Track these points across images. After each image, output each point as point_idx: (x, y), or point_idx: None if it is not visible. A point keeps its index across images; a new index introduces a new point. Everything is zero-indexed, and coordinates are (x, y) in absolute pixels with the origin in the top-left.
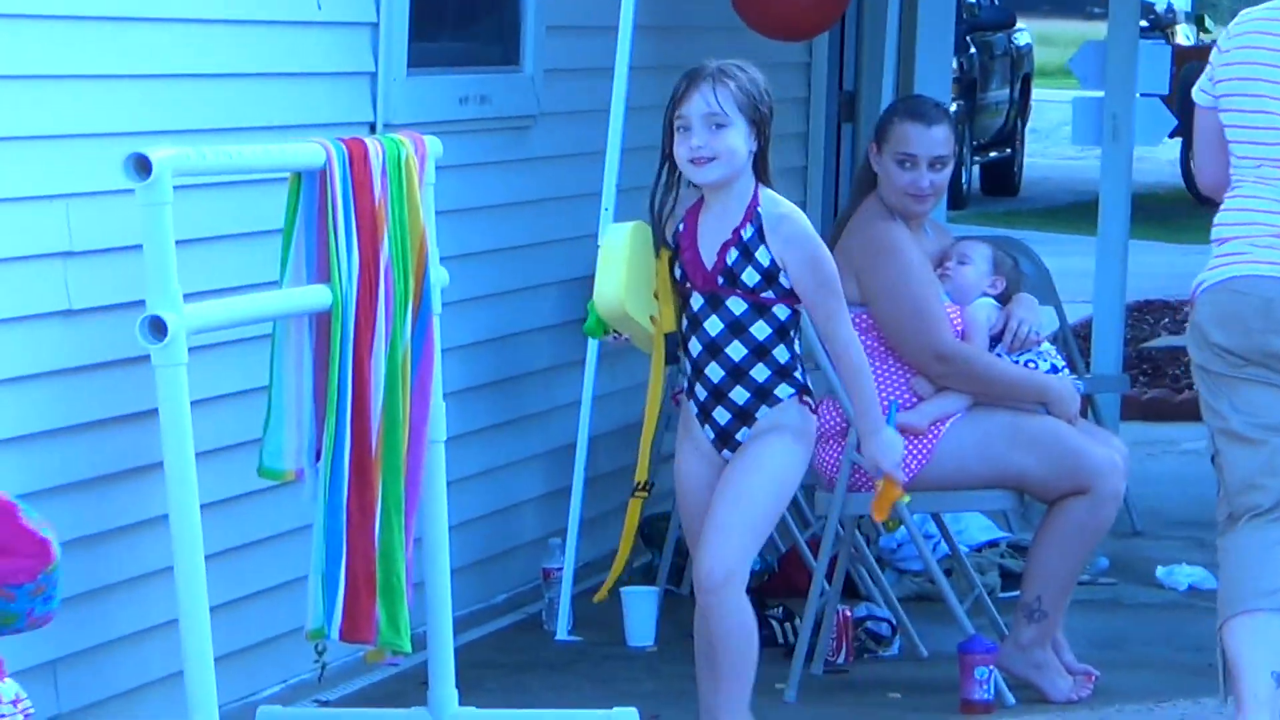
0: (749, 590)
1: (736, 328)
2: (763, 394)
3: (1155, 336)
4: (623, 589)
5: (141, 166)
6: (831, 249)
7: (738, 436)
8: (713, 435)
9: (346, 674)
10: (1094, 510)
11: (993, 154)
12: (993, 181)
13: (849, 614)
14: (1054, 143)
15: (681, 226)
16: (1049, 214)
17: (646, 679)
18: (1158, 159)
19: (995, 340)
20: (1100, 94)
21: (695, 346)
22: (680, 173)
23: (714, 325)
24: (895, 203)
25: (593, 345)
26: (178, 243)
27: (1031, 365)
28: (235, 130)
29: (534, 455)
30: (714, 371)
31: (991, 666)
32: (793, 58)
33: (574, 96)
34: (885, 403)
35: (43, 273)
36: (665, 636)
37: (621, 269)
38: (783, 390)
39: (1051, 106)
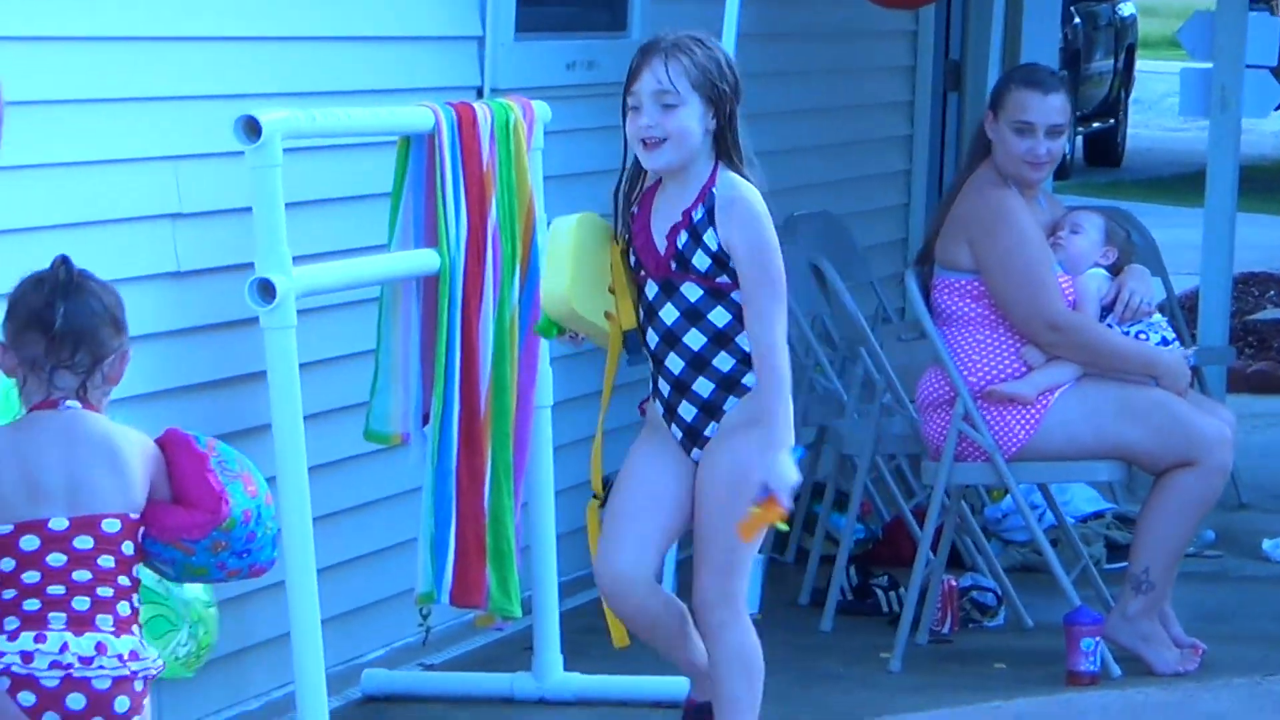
0: (853, 558)
1: (693, 315)
2: (728, 384)
3: (1260, 309)
4: None
5: (251, 129)
6: (941, 218)
7: (706, 432)
8: (680, 434)
9: (451, 638)
10: (1202, 482)
11: (1096, 125)
12: (1096, 152)
13: (954, 584)
14: (1157, 114)
15: (635, 210)
16: (1152, 186)
17: None
18: (1262, 131)
19: (1106, 311)
20: (1208, 65)
21: (653, 338)
22: None
23: (669, 313)
24: (1011, 171)
25: None
26: (286, 205)
27: (1142, 337)
28: (343, 94)
29: (635, 422)
30: (674, 363)
31: (1098, 638)
32: (899, 26)
33: None
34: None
35: (152, 234)
36: (768, 603)
37: (567, 264)
38: (750, 379)
39: (1155, 78)
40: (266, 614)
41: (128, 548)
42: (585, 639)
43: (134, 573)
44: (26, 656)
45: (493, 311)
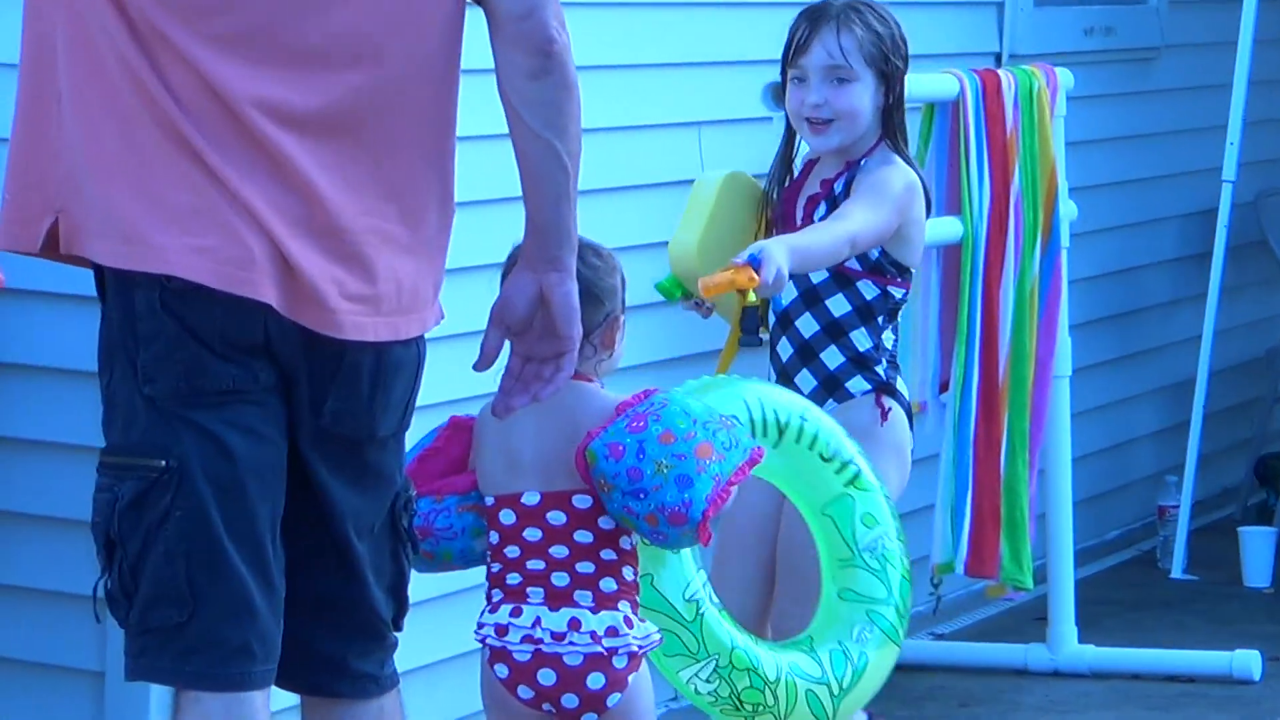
0: None
1: (811, 297)
2: (831, 384)
3: None
4: (1240, 529)
5: (778, 95)
6: None
7: None
8: None
9: (961, 607)
10: None
11: None
12: None
13: None
14: None
15: (790, 181)
16: None
17: (1266, 620)
18: None
19: None
20: None
21: (771, 318)
22: None
23: (789, 292)
24: None
25: (1215, 276)
26: None
27: None
28: None
29: (1150, 390)
30: (784, 348)
31: None
32: None
33: (1199, 28)
34: None
35: (678, 200)
36: None
37: (702, 221)
38: (856, 384)
39: None
40: None
41: (606, 522)
42: (1095, 610)
43: (622, 544)
44: (501, 629)
45: (1014, 279)
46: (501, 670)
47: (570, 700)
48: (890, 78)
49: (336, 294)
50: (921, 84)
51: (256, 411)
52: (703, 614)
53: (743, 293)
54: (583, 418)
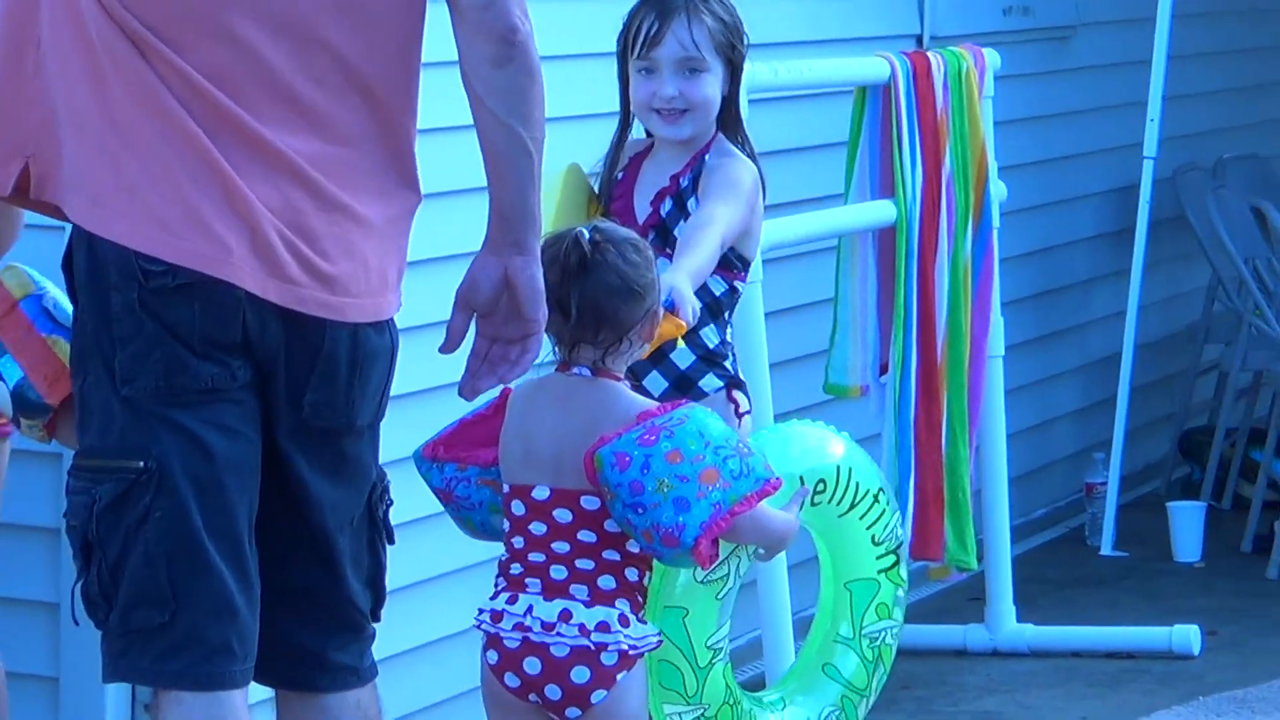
0: None
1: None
2: (683, 383)
3: None
4: (1169, 504)
5: None
6: None
7: None
8: None
9: None
10: None
11: None
12: None
13: None
14: None
15: (620, 175)
16: None
17: (1198, 594)
18: None
19: None
20: None
21: None
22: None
23: None
24: None
25: (1138, 252)
26: None
27: None
28: (784, 45)
29: (1074, 368)
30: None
31: None
32: None
33: (1115, 5)
34: None
35: None
36: (1211, 551)
37: (551, 217)
38: (708, 381)
39: None
40: None
41: (612, 525)
42: (1029, 589)
43: (628, 546)
44: (496, 616)
45: (948, 261)
46: (492, 656)
47: (554, 692)
48: (735, 66)
49: (309, 274)
50: (852, 67)
51: (234, 410)
52: (714, 665)
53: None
54: (602, 419)
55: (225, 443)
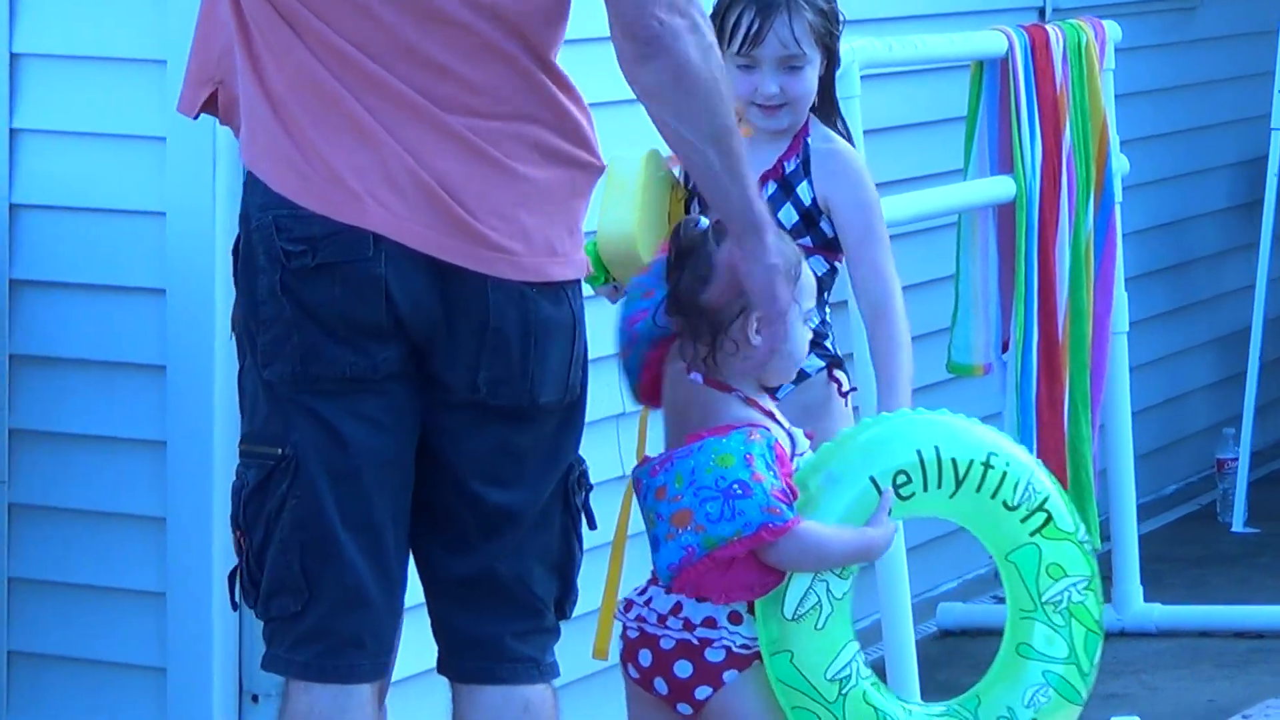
0: None
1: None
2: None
3: None
4: None
5: None
6: None
7: None
8: None
9: None
10: None
11: None
12: None
13: None
14: None
15: None
16: None
17: None
18: None
19: None
20: None
21: None
22: None
23: None
24: None
25: (1267, 225)
26: (864, 133)
27: None
28: (907, 19)
29: (1204, 342)
30: None
31: None
32: None
33: None
34: None
35: None
36: None
37: (635, 202)
38: (809, 362)
39: None
40: None
41: None
42: (1157, 567)
43: None
44: (627, 605)
45: (1068, 237)
46: (620, 644)
47: (661, 686)
48: (832, 51)
49: (453, 225)
50: (969, 42)
51: (376, 400)
52: (846, 693)
53: None
54: (687, 426)
55: (364, 433)
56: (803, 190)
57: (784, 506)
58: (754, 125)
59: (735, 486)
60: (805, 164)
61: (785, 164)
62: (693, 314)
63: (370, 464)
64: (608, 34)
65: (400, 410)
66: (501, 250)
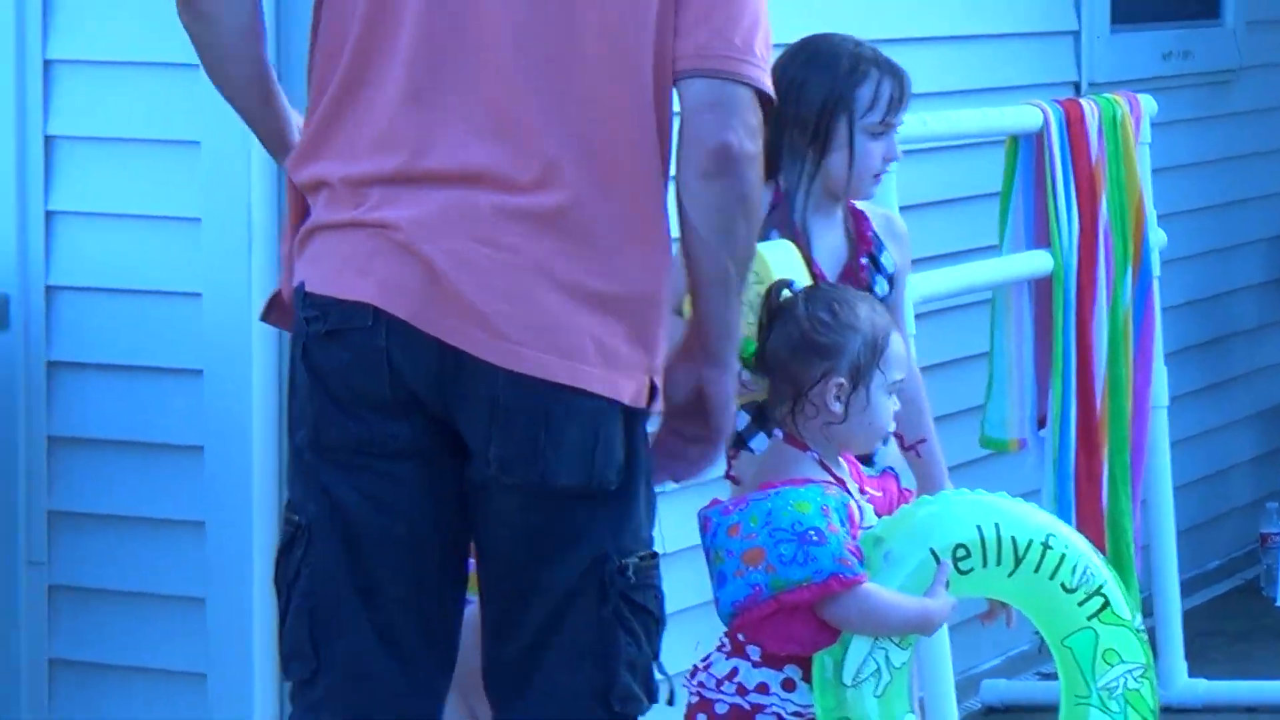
0: None
1: None
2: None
3: None
4: None
5: None
6: None
7: None
8: None
9: None
10: None
11: None
12: None
13: None
14: None
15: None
16: None
17: None
18: None
19: None
20: None
21: None
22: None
23: None
24: None
25: None
26: (900, 208)
27: None
28: (941, 95)
29: (1245, 416)
30: None
31: None
32: None
33: (1277, 47)
34: None
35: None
36: None
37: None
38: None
39: None
40: None
41: None
42: (1202, 642)
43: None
44: (692, 671)
45: (1106, 311)
46: (683, 707)
47: None
48: None
49: (452, 303)
50: (1004, 116)
51: (384, 481)
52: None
53: None
54: (761, 478)
55: (370, 511)
56: (886, 260)
57: (855, 561)
58: (853, 199)
59: (811, 533)
60: (876, 233)
61: (868, 234)
62: (776, 374)
63: (377, 539)
64: None
65: (414, 491)
66: (501, 337)
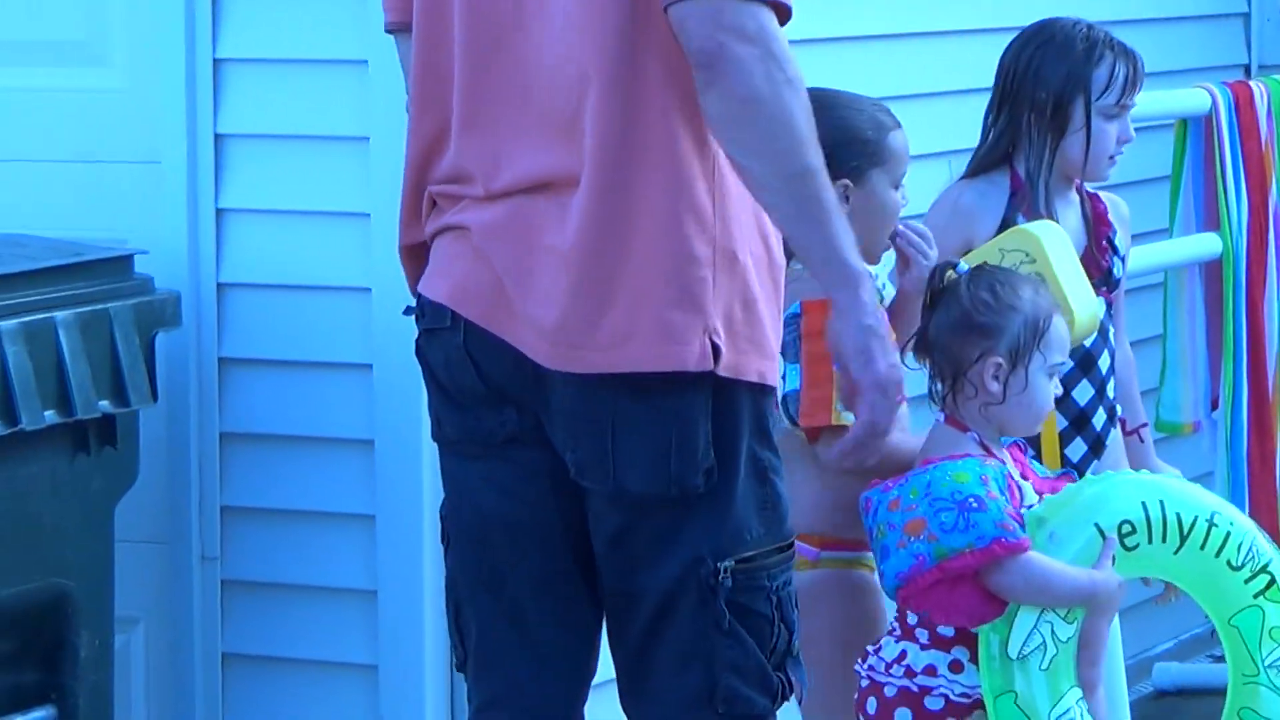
0: None
1: (1105, 333)
2: (1113, 413)
3: None
4: None
5: None
6: None
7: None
8: None
9: None
10: None
11: None
12: None
13: None
14: None
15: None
16: None
17: None
18: None
19: None
20: None
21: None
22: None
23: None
24: None
25: None
26: None
27: None
28: None
29: None
30: (1083, 391)
31: None
32: None
33: None
34: None
35: None
36: None
37: (1083, 274)
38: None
39: None
40: None
41: None
42: None
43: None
44: (863, 655)
45: (1277, 293)
46: (856, 691)
47: None
48: None
49: (505, 307)
50: (1173, 100)
51: (502, 465)
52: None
53: None
54: (921, 456)
55: (492, 498)
56: (1119, 242)
57: (1017, 526)
58: (1100, 177)
59: (971, 500)
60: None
61: (1107, 216)
62: (937, 354)
63: (502, 525)
64: None
65: (532, 476)
66: (561, 342)
